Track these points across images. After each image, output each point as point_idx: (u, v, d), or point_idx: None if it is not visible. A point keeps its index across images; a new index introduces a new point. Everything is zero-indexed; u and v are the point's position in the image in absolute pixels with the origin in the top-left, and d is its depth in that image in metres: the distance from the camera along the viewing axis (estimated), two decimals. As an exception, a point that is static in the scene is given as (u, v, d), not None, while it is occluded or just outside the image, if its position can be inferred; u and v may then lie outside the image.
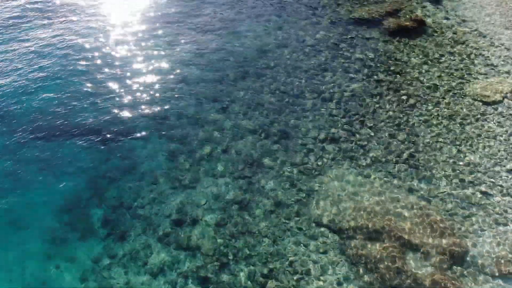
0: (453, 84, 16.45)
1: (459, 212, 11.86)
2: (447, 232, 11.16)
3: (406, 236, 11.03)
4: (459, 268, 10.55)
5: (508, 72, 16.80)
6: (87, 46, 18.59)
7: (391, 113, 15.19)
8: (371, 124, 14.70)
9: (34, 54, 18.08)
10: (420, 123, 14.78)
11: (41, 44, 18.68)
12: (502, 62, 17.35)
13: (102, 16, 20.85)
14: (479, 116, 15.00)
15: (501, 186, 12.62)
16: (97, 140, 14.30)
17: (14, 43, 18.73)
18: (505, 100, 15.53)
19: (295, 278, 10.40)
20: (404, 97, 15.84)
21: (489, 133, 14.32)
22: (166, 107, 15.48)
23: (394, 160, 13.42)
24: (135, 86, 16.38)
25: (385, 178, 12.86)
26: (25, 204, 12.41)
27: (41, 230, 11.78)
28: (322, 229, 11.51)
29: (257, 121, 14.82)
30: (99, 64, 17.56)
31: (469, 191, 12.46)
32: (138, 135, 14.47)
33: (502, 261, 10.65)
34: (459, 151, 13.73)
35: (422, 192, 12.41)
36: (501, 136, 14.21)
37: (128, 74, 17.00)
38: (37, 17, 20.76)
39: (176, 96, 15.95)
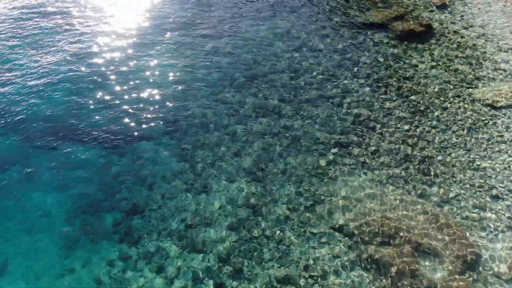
0: (462, 88, 16.57)
1: (471, 217, 11.95)
2: (460, 237, 11.24)
3: (418, 241, 11.11)
4: (471, 272, 10.62)
5: (516, 77, 16.92)
6: (96, 50, 18.67)
7: (400, 118, 15.28)
8: (381, 129, 14.79)
9: (42, 59, 18.12)
10: (429, 128, 14.88)
11: (49, 49, 18.74)
12: (510, 67, 17.46)
13: (110, 20, 20.93)
14: (488, 121, 15.10)
15: (510, 190, 12.71)
16: (108, 144, 14.34)
17: (22, 48, 18.79)
18: (514, 105, 15.65)
19: (309, 282, 10.48)
20: (414, 102, 15.94)
21: (499, 138, 14.41)
22: (176, 111, 15.54)
23: (404, 165, 13.51)
24: (145, 90, 16.44)
25: (396, 183, 12.94)
26: (37, 208, 12.43)
27: (55, 234, 11.81)
28: (335, 233, 11.58)
29: (267, 126, 14.90)
30: (108, 68, 17.61)
31: (480, 195, 12.55)
32: (149, 139, 14.52)
33: (514, 265, 10.75)
34: (469, 156, 13.82)
35: (433, 197, 12.50)
36: (510, 141, 14.29)
37: (138, 78, 17.04)
38: (43, 21, 20.83)
39: (186, 100, 16.01)
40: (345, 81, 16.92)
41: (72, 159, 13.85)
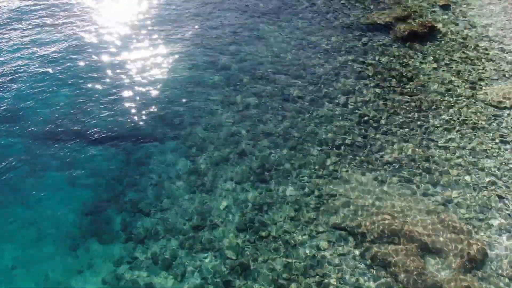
0: (465, 89, 16.65)
1: (476, 216, 12.01)
2: (464, 236, 11.30)
3: (423, 240, 11.17)
4: (477, 271, 10.67)
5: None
6: (101, 50, 18.78)
7: (404, 118, 15.37)
8: (385, 129, 14.87)
9: (46, 58, 18.23)
10: (433, 128, 14.96)
11: (54, 48, 18.86)
12: (513, 68, 17.57)
13: (114, 19, 21.04)
14: (491, 121, 15.17)
15: (515, 190, 12.81)
16: (114, 145, 14.43)
17: (26, 47, 18.91)
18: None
19: (315, 281, 10.54)
20: (417, 102, 16.03)
21: (502, 138, 14.48)
22: (182, 112, 15.65)
23: (409, 165, 13.58)
24: (150, 91, 16.55)
25: (400, 183, 13.02)
26: (44, 209, 12.51)
27: (62, 234, 11.90)
28: (341, 232, 11.66)
29: (273, 126, 15.00)
30: (113, 68, 17.72)
31: (484, 195, 12.62)
32: (155, 140, 14.61)
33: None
34: (473, 156, 13.89)
35: (437, 196, 12.57)
36: (514, 141, 14.41)
37: (143, 79, 17.16)
38: (44, 20, 20.97)
39: (192, 101, 16.12)
40: (349, 82, 17.02)
41: (78, 160, 13.93)
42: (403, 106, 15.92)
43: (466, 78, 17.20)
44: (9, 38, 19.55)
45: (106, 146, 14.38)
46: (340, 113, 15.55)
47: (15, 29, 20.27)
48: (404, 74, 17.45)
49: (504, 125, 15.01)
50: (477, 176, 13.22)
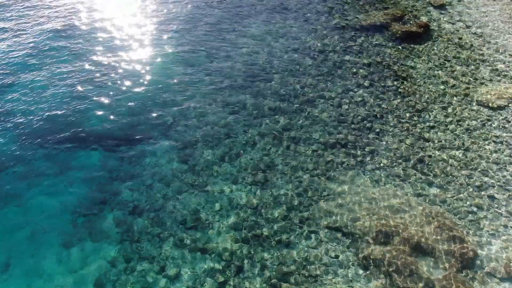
0: (459, 89, 16.73)
1: (468, 216, 12.11)
2: (457, 235, 11.38)
3: (416, 240, 11.24)
4: (469, 271, 10.76)
5: (513, 78, 17.09)
6: (96, 51, 18.77)
7: (399, 118, 15.43)
8: (380, 129, 14.94)
9: (41, 59, 18.22)
10: (427, 128, 15.03)
11: (50, 50, 18.84)
12: (507, 68, 17.63)
13: (110, 20, 21.04)
14: (485, 121, 15.26)
15: (507, 190, 12.88)
16: (108, 146, 14.42)
17: (23, 48, 18.89)
18: (510, 105, 15.79)
19: (309, 281, 10.61)
20: (411, 103, 16.09)
21: (495, 138, 14.57)
22: (176, 112, 15.65)
23: (403, 165, 13.66)
24: (144, 92, 16.54)
25: (394, 183, 13.09)
26: (38, 209, 12.51)
27: (56, 235, 11.89)
28: (334, 232, 11.72)
29: (267, 126, 15.04)
30: (108, 69, 17.71)
31: (477, 195, 12.71)
32: (149, 140, 14.61)
33: (511, 263, 10.87)
34: (466, 156, 13.98)
35: (431, 197, 12.65)
36: (507, 141, 14.46)
37: (137, 79, 17.16)
38: (40, 20, 20.94)
39: (185, 101, 16.13)
40: (344, 82, 17.06)
41: (73, 160, 13.93)
42: (398, 106, 15.98)
43: (461, 78, 17.28)
44: (7, 39, 19.55)
45: (100, 148, 14.37)
46: (335, 113, 15.60)
47: (15, 29, 20.25)
48: (399, 74, 17.52)
49: (497, 125, 15.10)
50: (470, 176, 13.31)
